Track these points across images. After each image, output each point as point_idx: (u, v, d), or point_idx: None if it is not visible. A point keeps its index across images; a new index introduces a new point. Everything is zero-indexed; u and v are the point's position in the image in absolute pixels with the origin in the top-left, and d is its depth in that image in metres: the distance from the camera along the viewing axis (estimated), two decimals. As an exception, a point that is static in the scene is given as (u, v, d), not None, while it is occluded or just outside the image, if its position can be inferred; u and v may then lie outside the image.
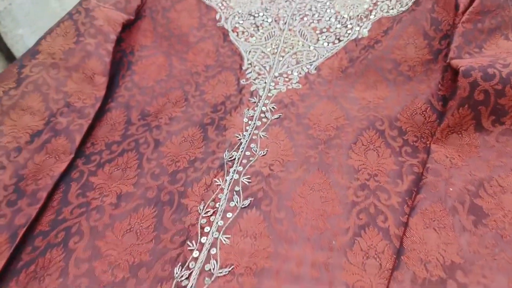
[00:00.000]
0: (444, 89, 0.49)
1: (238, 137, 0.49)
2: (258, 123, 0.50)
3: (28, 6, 0.74)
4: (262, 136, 0.49)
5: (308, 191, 0.42)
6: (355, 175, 0.43)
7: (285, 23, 0.65)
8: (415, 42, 0.54)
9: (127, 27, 0.63)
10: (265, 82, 0.56)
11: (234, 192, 0.43)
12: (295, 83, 0.55)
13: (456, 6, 0.53)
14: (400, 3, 0.60)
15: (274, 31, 0.64)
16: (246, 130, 0.49)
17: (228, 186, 0.43)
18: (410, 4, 0.59)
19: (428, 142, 0.45)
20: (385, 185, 0.42)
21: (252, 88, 0.56)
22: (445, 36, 0.53)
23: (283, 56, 0.59)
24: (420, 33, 0.55)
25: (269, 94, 0.54)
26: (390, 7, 0.60)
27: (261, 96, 0.54)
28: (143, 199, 0.43)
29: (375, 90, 0.52)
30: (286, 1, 0.69)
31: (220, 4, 0.68)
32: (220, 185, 0.44)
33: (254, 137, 0.48)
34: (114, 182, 0.45)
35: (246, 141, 0.48)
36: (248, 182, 0.44)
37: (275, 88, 0.55)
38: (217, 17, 0.67)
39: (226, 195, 0.43)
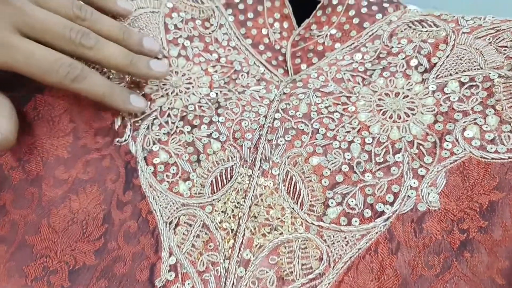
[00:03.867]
0: None
1: None
2: None
3: None
4: None
5: None
6: None
7: (255, 146, 0.31)
8: None
9: None
10: None
11: None
12: None
13: None
14: (513, 130, 0.26)
15: (232, 168, 0.30)
16: None
17: None
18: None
19: None
20: None
21: None
22: None
23: (248, 259, 0.26)
24: None
25: None
26: (488, 135, 0.27)
27: None
28: None
29: None
30: (257, 85, 0.35)
31: (125, 92, 0.33)
32: None
33: None
34: None
35: None
36: None
37: None
38: (116, 124, 0.32)
39: None
